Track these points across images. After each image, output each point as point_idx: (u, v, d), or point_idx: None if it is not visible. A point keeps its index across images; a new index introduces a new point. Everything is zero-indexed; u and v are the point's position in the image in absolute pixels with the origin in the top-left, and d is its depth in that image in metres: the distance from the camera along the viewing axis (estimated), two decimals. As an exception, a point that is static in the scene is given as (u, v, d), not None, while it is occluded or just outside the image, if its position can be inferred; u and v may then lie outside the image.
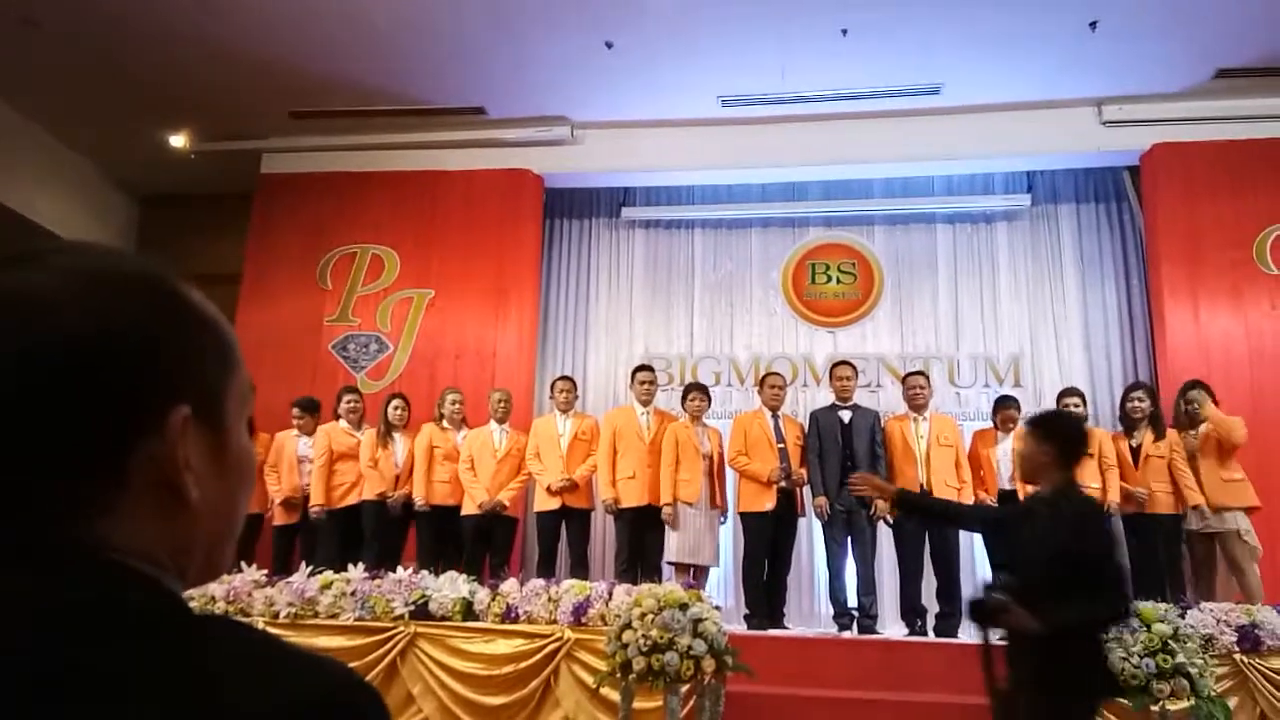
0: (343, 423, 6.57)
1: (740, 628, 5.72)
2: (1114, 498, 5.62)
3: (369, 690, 0.58)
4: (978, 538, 6.08)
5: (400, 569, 5.20)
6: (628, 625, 3.83)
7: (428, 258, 7.94)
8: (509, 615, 4.82)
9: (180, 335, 0.63)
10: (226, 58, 6.95)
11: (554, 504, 6.11)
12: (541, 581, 4.95)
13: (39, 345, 0.57)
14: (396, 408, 6.51)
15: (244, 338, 6.94)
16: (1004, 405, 6.17)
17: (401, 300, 7.90)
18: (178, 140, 7.94)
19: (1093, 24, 6.49)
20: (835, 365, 6.36)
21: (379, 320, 7.87)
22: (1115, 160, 7.63)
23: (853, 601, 5.83)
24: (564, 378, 6.68)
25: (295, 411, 6.72)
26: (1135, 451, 5.81)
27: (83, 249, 0.63)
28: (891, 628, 6.05)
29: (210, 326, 0.65)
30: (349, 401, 6.64)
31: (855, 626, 5.73)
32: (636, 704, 4.08)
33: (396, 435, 6.47)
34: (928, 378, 6.33)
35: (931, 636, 5.65)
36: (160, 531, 0.61)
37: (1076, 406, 5.93)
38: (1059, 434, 2.93)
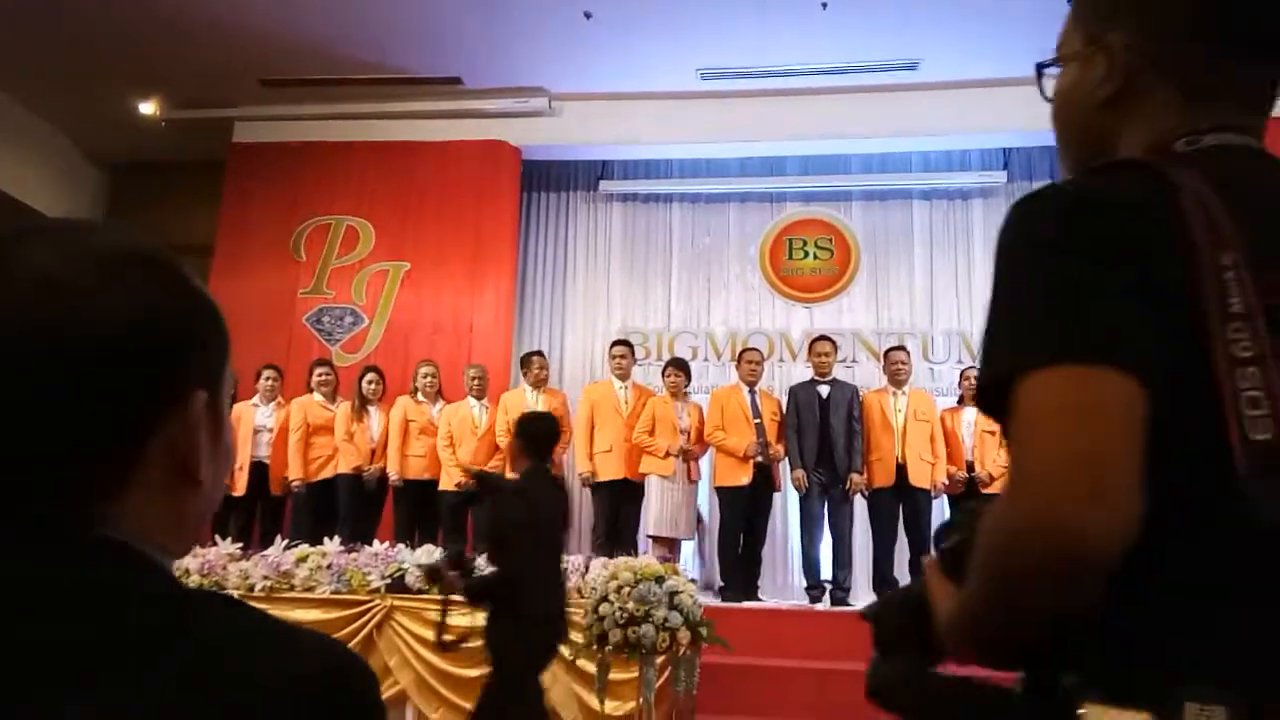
0: (317, 395, 6.53)
1: (715, 600, 5.77)
2: None
3: (365, 667, 0.60)
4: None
5: (376, 543, 5.20)
6: (604, 598, 3.86)
7: (403, 230, 7.87)
8: (485, 588, 4.83)
9: (197, 320, 0.63)
10: (197, 24, 6.82)
11: (527, 478, 6.11)
12: (518, 555, 4.96)
13: (70, 332, 0.56)
14: (371, 381, 6.47)
15: (216, 310, 6.93)
16: (967, 377, 6.25)
17: (377, 273, 7.84)
18: (148, 108, 7.80)
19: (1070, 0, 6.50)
20: (814, 340, 6.40)
21: (354, 293, 7.81)
22: (1091, 137, 7.66)
23: (826, 574, 5.90)
24: (536, 353, 6.67)
25: (269, 373, 6.64)
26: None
27: (75, 227, 0.63)
28: (863, 599, 6.13)
29: (215, 309, 0.66)
30: (321, 374, 6.59)
31: (828, 598, 5.81)
32: (612, 675, 4.12)
33: (372, 409, 6.44)
34: (909, 353, 6.39)
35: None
36: (164, 511, 0.61)
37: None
38: (524, 432, 3.65)
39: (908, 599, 0.91)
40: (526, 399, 6.38)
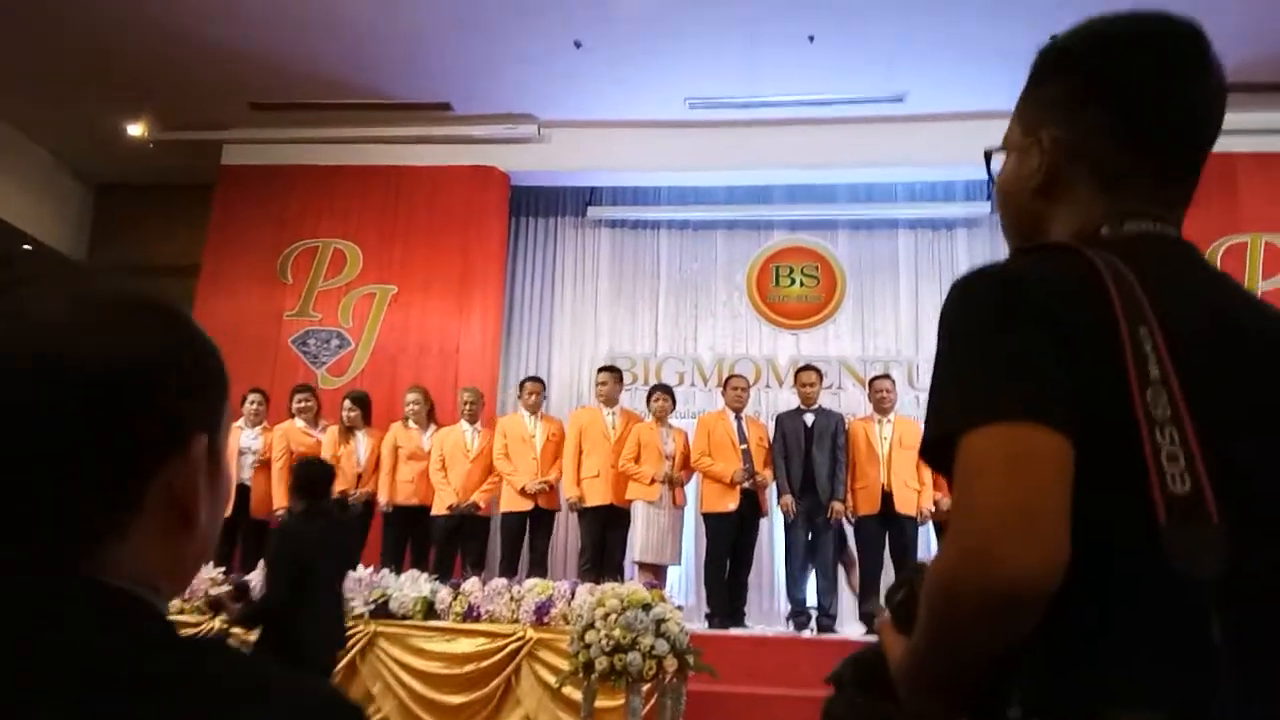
0: (299, 421, 6.49)
1: (701, 626, 5.75)
2: None
3: (358, 710, 0.60)
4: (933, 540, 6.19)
5: (360, 568, 5.16)
6: (590, 625, 3.84)
7: (391, 253, 7.88)
8: (470, 614, 4.81)
9: (197, 365, 0.64)
10: (187, 47, 6.83)
11: (524, 505, 6.12)
12: (504, 581, 4.95)
13: (71, 376, 0.57)
14: (349, 409, 6.43)
15: (202, 331, 6.87)
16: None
17: (364, 296, 7.83)
18: (136, 129, 7.79)
19: (1054, 37, 6.61)
20: (800, 370, 6.43)
21: (341, 316, 7.79)
22: (1072, 171, 7.77)
23: (812, 601, 5.90)
24: (533, 379, 6.68)
25: (254, 397, 6.60)
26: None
27: (77, 275, 0.64)
28: (849, 627, 6.12)
29: (216, 353, 0.67)
30: (301, 400, 6.54)
31: (815, 625, 5.80)
32: (598, 703, 4.09)
33: (359, 433, 6.41)
34: (894, 381, 6.43)
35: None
36: (162, 553, 0.62)
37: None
38: (296, 476, 4.07)
39: (862, 658, 0.98)
40: (525, 424, 6.37)
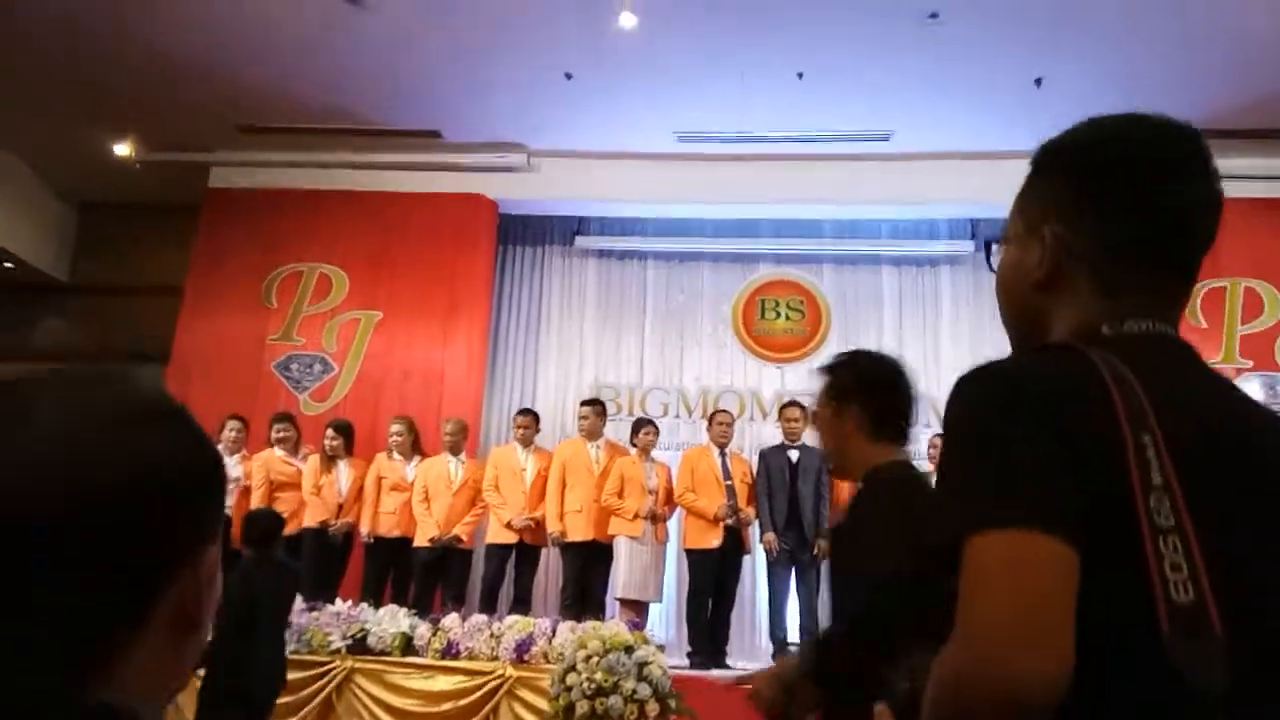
0: (278, 451, 6.43)
1: (681, 663, 5.71)
2: None
3: None
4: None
5: (339, 601, 5.11)
6: (572, 667, 3.81)
7: (377, 279, 7.85)
8: (450, 651, 4.76)
9: (204, 474, 0.63)
10: (176, 68, 6.82)
11: (510, 538, 6.07)
12: (484, 617, 4.90)
13: (84, 495, 0.56)
14: (331, 438, 6.39)
15: (184, 353, 6.79)
16: (934, 444, 6.31)
17: (348, 321, 7.79)
18: (122, 149, 7.75)
19: (1038, 81, 6.72)
20: (784, 406, 6.45)
21: (324, 340, 7.75)
22: (1055, 211, 7.86)
23: (794, 638, 5.87)
24: (525, 411, 6.66)
25: (233, 424, 6.54)
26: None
27: (91, 379, 0.63)
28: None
29: (218, 457, 0.66)
30: (280, 430, 6.47)
31: (796, 665, 5.77)
32: (578, 745, 4.05)
33: (341, 462, 6.36)
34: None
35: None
36: (166, 660, 0.61)
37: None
38: (244, 527, 4.33)
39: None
40: (517, 457, 6.35)
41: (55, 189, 8.59)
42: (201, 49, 6.61)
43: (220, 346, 7.63)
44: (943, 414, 0.86)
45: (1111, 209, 0.92)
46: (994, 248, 1.05)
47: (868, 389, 1.97)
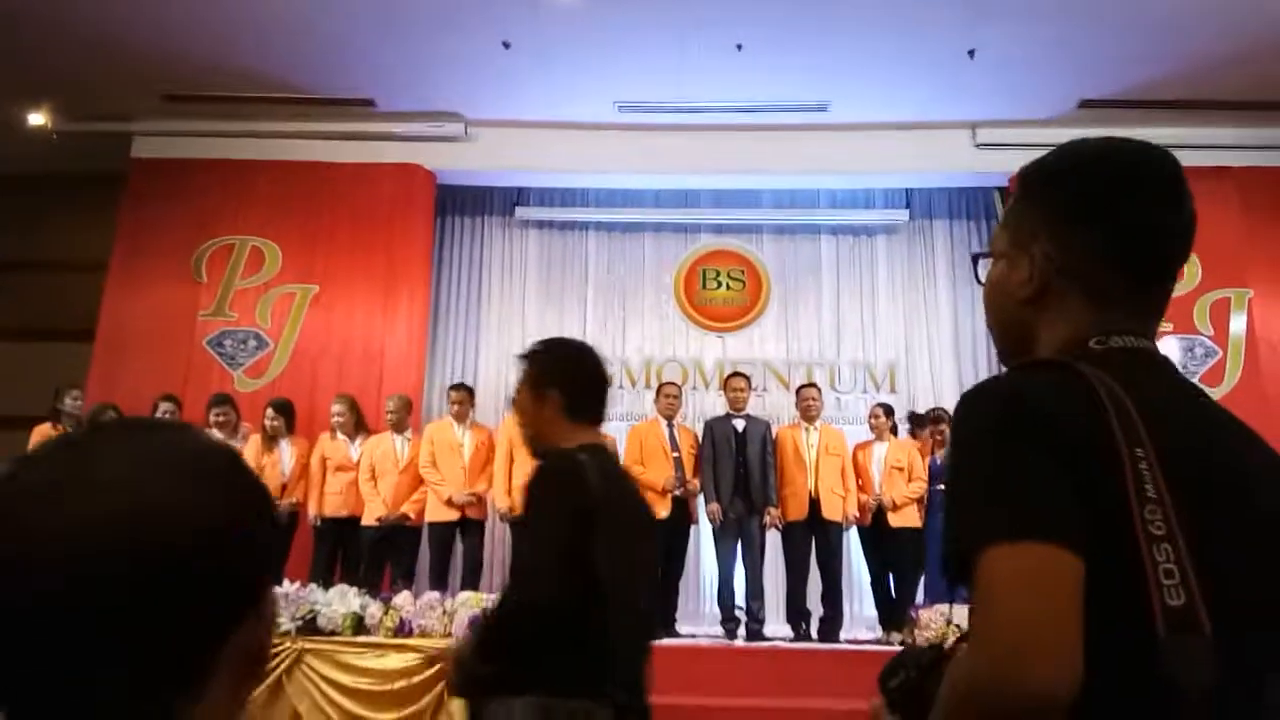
0: (217, 434, 6.29)
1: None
2: None
3: None
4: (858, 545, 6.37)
5: (285, 582, 5.05)
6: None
7: (312, 252, 7.67)
8: (402, 629, 4.76)
9: (263, 522, 0.64)
10: (95, 34, 6.52)
11: (451, 514, 6.04)
12: (436, 594, 4.90)
13: (150, 550, 0.56)
14: (272, 419, 6.26)
15: (111, 330, 6.57)
16: (876, 414, 6.46)
17: (283, 295, 7.62)
18: (37, 118, 7.40)
19: (971, 52, 6.83)
20: (729, 376, 6.52)
21: (259, 316, 7.56)
22: (987, 181, 8.05)
23: (741, 604, 6.00)
24: (458, 386, 6.60)
25: (166, 405, 6.37)
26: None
27: (149, 427, 0.63)
28: (774, 627, 6.25)
29: (274, 501, 0.68)
30: (218, 414, 6.26)
31: (744, 630, 5.91)
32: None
33: (283, 441, 6.24)
34: (820, 390, 6.57)
35: (815, 638, 5.89)
36: (230, 702, 0.62)
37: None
38: None
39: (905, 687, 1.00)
40: (453, 432, 6.30)
41: (-36, 160, 8.17)
42: (123, 12, 6.33)
43: (149, 323, 7.40)
44: (950, 430, 0.92)
45: (1102, 229, 0.97)
46: (980, 262, 1.10)
47: (566, 375, 2.03)
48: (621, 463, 2.02)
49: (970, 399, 0.90)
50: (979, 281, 1.10)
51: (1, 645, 0.56)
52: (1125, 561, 0.80)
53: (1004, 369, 1.04)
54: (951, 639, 4.05)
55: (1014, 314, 1.03)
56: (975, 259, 1.11)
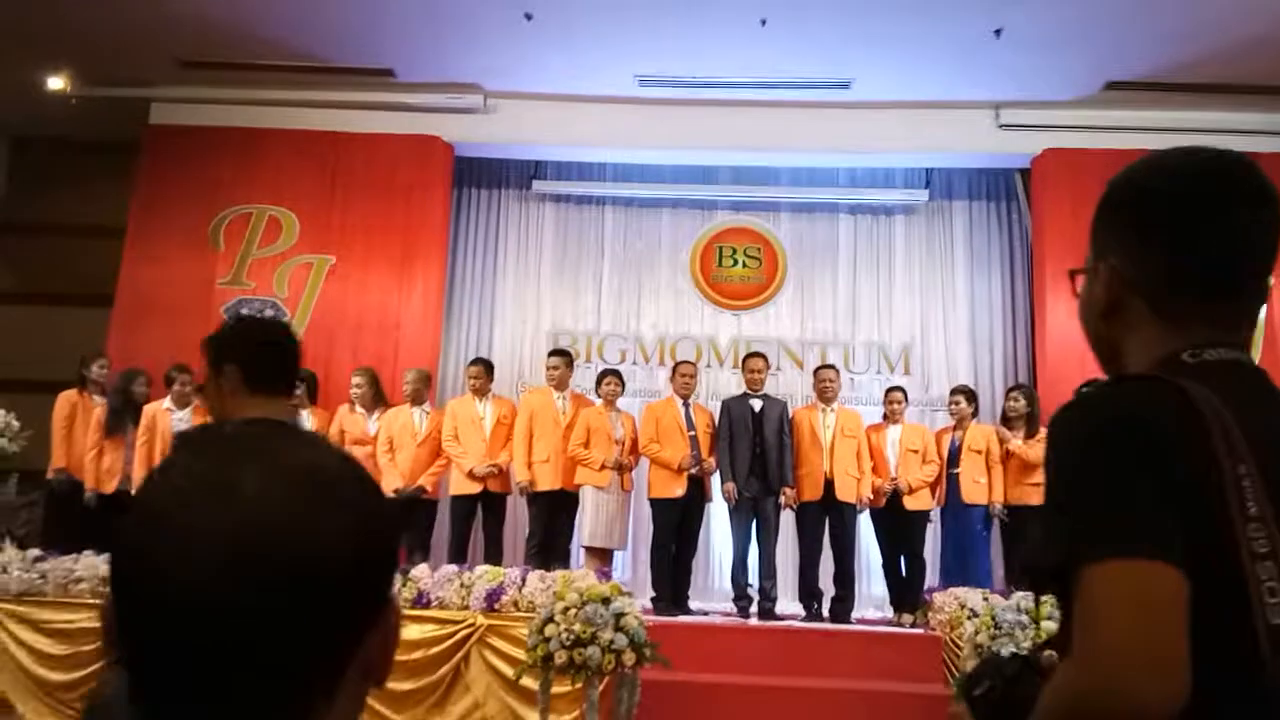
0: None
1: (645, 606, 5.83)
2: (998, 497, 5.98)
3: None
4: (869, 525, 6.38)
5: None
6: (550, 619, 3.88)
7: (329, 223, 7.66)
8: (420, 601, 4.80)
9: (388, 534, 0.65)
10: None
11: (473, 488, 6.07)
12: (454, 567, 4.94)
13: (285, 564, 0.57)
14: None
15: (128, 297, 6.58)
16: (893, 399, 6.45)
17: (300, 265, 7.62)
18: (56, 83, 7.37)
19: (997, 31, 6.75)
20: (748, 357, 6.52)
21: (276, 285, 7.57)
22: (1008, 162, 8.00)
23: (754, 584, 6.03)
24: (477, 361, 6.62)
25: (183, 377, 6.37)
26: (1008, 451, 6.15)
27: (271, 442, 0.63)
28: (784, 606, 6.28)
29: (395, 512, 0.68)
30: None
31: (756, 608, 5.95)
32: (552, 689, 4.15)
33: (304, 412, 6.26)
34: (837, 371, 6.56)
35: (827, 618, 5.93)
36: (350, 708, 0.63)
37: (957, 404, 6.30)
38: None
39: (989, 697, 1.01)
40: (475, 407, 6.32)
41: (-17, 122, 8.17)
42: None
43: (166, 291, 7.41)
44: (1049, 441, 0.90)
45: (1166, 247, 0.97)
46: (1076, 277, 1.10)
47: (241, 347, 2.02)
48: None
49: (1074, 411, 0.90)
50: (1076, 296, 1.11)
51: (152, 637, 0.57)
52: (1228, 580, 0.81)
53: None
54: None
55: (1094, 327, 1.04)
56: (1071, 275, 1.11)
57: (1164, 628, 0.77)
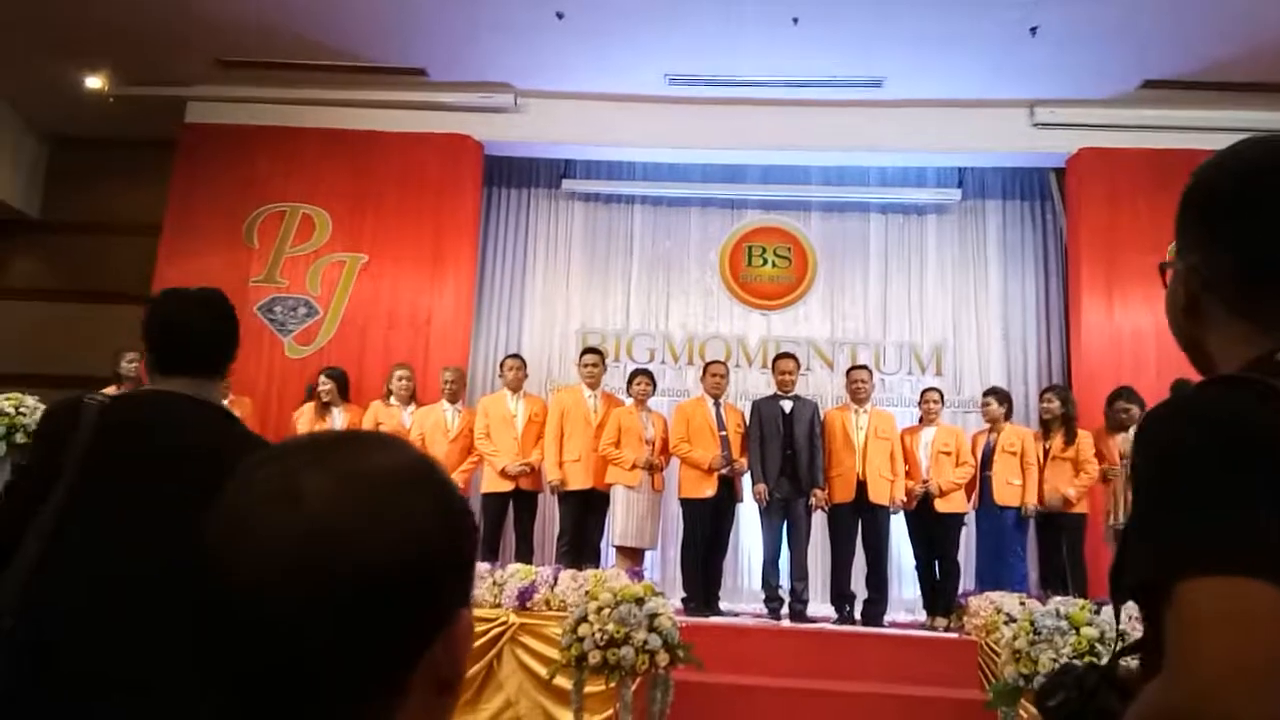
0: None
1: (675, 607, 5.82)
2: (1031, 500, 5.92)
3: None
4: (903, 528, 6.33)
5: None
6: (584, 619, 3.88)
7: (361, 221, 7.72)
8: (453, 598, 4.82)
9: (461, 541, 0.64)
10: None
11: (505, 486, 6.10)
12: (486, 565, 4.96)
13: (346, 571, 0.57)
14: (324, 384, 6.33)
15: (165, 296, 6.61)
16: (927, 400, 6.39)
17: (333, 264, 7.68)
18: (95, 82, 7.47)
19: (1033, 29, 6.68)
20: (778, 358, 6.49)
21: (309, 283, 7.64)
22: (1043, 161, 7.91)
23: (785, 585, 6.01)
24: (514, 356, 6.65)
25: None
26: (1047, 452, 6.08)
27: (352, 446, 0.63)
28: (815, 609, 6.25)
29: (472, 516, 0.68)
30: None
31: (787, 610, 5.92)
32: (585, 688, 4.15)
33: (335, 410, 6.32)
34: (870, 372, 6.51)
35: (859, 621, 5.90)
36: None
37: (990, 406, 6.23)
38: None
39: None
40: (507, 404, 6.35)
41: (25, 122, 8.29)
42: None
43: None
44: (1140, 445, 0.86)
45: (1229, 238, 0.94)
46: (1166, 271, 1.06)
47: (145, 327, 1.94)
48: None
49: (1169, 416, 0.86)
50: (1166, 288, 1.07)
51: (220, 641, 0.58)
52: None
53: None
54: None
55: (1178, 325, 1.01)
56: (1161, 271, 1.07)
57: (1263, 650, 0.74)
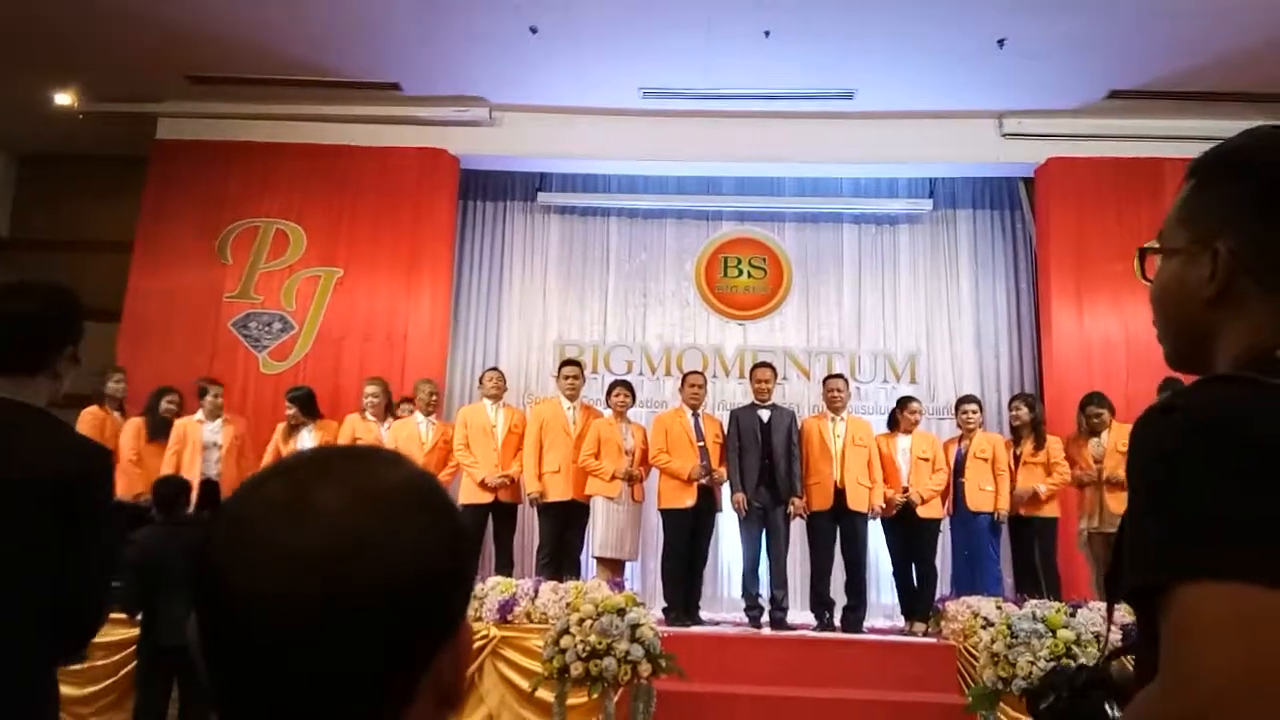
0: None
1: (656, 617, 5.83)
2: (1003, 505, 5.99)
3: None
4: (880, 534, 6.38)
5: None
6: (566, 630, 3.88)
7: (336, 236, 7.70)
8: (433, 613, 4.79)
9: (463, 553, 0.66)
10: (121, 15, 6.51)
11: (484, 498, 6.08)
12: (466, 579, 4.93)
13: (360, 583, 0.58)
14: (289, 408, 6.27)
15: (137, 311, 6.59)
16: (908, 408, 6.44)
17: (308, 278, 7.64)
18: (64, 99, 7.41)
19: (1001, 41, 6.79)
20: (755, 367, 6.52)
21: (283, 298, 7.60)
22: (1012, 171, 8.03)
23: (765, 594, 6.03)
24: (493, 369, 6.66)
25: (215, 389, 6.39)
26: (1018, 458, 6.15)
27: (362, 460, 0.64)
28: (797, 617, 6.28)
29: (474, 534, 0.69)
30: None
31: (767, 618, 5.94)
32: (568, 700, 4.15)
33: (304, 430, 6.24)
34: (846, 380, 6.56)
35: (839, 628, 5.93)
36: None
37: (974, 414, 6.28)
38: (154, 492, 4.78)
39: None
40: (487, 414, 6.34)
41: (-10, 138, 8.21)
42: (148, -5, 6.33)
43: (174, 304, 7.44)
44: (1136, 446, 0.83)
45: None
46: (1145, 257, 1.00)
47: None
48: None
49: (1164, 416, 0.82)
50: (1145, 279, 1.00)
51: (225, 653, 0.59)
52: None
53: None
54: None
55: (1191, 315, 0.93)
56: (1141, 254, 1.00)
57: (1261, 659, 0.71)
